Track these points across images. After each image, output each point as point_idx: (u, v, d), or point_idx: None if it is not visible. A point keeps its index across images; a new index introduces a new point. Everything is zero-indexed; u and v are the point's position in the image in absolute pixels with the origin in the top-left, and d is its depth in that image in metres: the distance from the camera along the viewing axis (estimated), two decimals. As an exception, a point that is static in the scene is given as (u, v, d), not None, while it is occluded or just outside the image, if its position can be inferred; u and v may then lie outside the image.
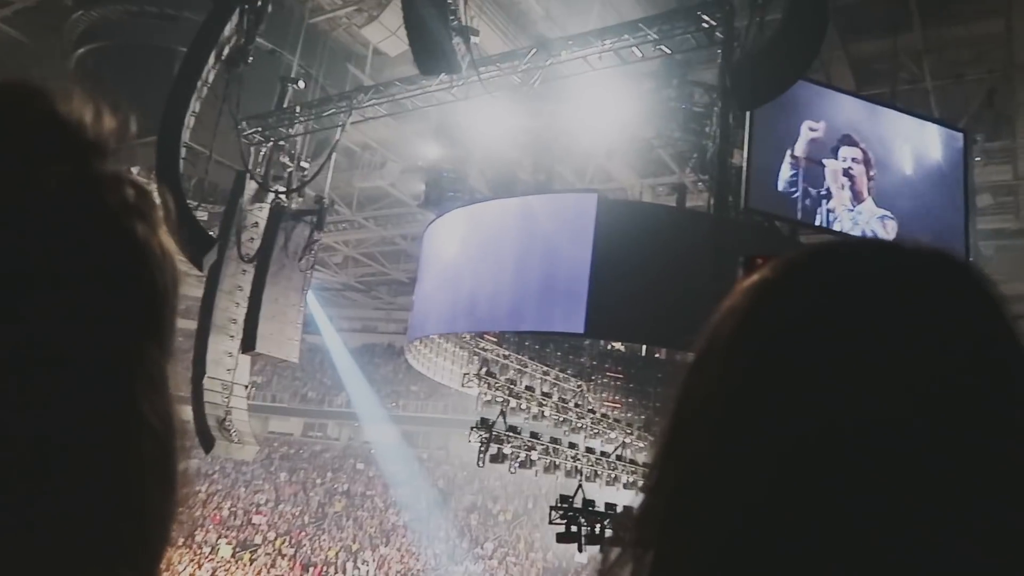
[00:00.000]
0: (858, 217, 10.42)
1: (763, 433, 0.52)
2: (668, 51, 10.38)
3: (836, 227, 10.26)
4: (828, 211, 10.24)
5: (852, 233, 10.30)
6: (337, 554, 24.66)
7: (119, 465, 0.45)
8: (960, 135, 11.43)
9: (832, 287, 0.55)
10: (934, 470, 0.49)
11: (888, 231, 10.49)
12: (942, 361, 0.51)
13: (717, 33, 9.60)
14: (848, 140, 10.53)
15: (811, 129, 10.31)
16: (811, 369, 0.52)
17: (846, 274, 0.55)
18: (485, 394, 14.89)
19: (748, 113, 9.47)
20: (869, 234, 10.35)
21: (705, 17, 9.63)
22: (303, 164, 14.85)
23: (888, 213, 10.52)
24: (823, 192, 10.23)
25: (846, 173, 10.39)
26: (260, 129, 14.32)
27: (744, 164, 9.54)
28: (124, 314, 0.46)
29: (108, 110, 0.49)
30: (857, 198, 10.45)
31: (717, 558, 0.51)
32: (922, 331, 0.52)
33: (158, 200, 0.51)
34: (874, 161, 10.59)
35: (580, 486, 14.60)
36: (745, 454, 0.52)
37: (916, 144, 10.99)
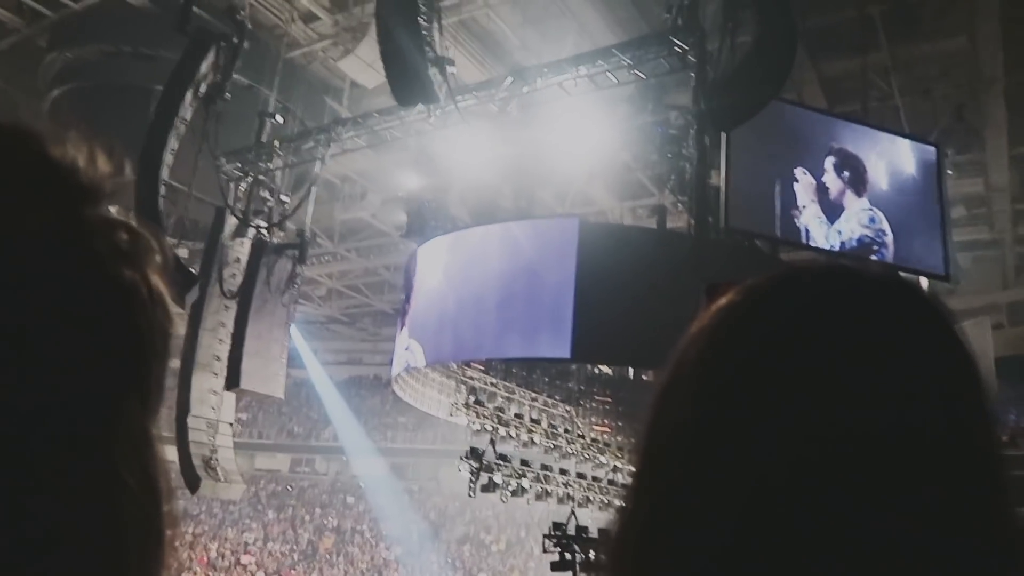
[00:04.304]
0: (839, 225, 10.56)
1: (731, 458, 0.53)
2: (642, 76, 10.53)
3: (812, 242, 10.38)
4: (805, 226, 10.37)
5: (829, 245, 10.44)
6: (328, 592, 24.22)
7: (97, 531, 0.42)
8: (932, 149, 11.64)
9: (792, 313, 0.57)
10: (904, 490, 0.50)
11: (875, 236, 10.64)
12: (899, 382, 0.53)
13: (690, 57, 9.74)
14: (821, 155, 10.69)
15: (787, 148, 10.47)
16: (776, 392, 0.53)
17: (806, 300, 0.57)
18: (474, 423, 14.78)
19: (724, 134, 9.59)
20: (848, 245, 10.50)
21: (677, 42, 9.78)
22: (283, 198, 14.83)
23: (878, 216, 10.67)
24: (799, 208, 10.36)
25: (819, 187, 10.54)
26: (239, 164, 14.30)
27: (722, 185, 9.64)
28: (105, 368, 0.44)
29: (103, 153, 0.48)
30: (832, 211, 10.59)
31: None
32: (877, 354, 0.53)
33: (154, 244, 0.49)
34: (851, 171, 10.75)
35: (573, 512, 14.48)
36: (714, 480, 0.53)
37: (890, 160, 11.17)
